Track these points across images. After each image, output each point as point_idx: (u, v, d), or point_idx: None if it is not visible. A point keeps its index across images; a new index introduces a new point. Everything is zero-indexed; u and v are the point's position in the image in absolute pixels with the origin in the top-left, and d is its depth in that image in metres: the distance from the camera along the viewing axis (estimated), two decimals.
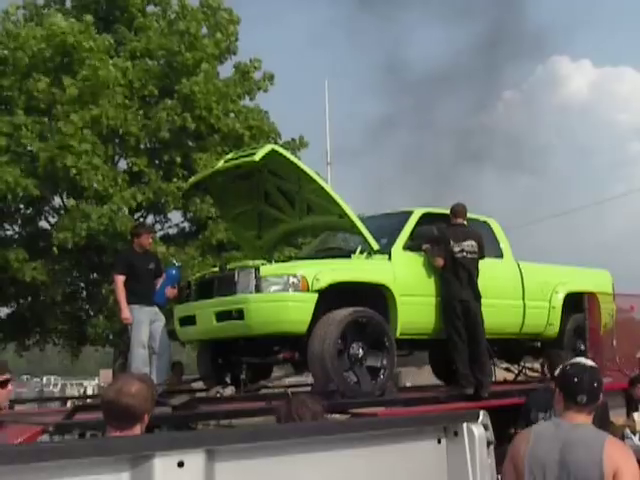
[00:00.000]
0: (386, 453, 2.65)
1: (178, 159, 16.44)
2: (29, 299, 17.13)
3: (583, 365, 3.44)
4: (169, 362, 8.47)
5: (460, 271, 7.81)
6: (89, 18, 15.69)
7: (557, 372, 3.51)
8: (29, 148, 15.43)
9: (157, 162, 16.86)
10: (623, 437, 8.55)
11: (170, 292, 8.41)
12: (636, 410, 8.48)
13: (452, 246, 7.83)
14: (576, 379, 3.36)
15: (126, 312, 8.09)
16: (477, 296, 7.80)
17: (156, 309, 8.31)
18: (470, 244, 7.83)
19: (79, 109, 14.94)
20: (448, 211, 9.00)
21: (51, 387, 43.94)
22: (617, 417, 8.87)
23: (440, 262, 7.86)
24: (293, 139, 17.76)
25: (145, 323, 8.11)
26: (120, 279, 8.25)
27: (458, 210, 8.19)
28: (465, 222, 8.14)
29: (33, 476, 1.85)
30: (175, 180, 16.01)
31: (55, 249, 15.06)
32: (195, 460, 2.06)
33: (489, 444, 2.98)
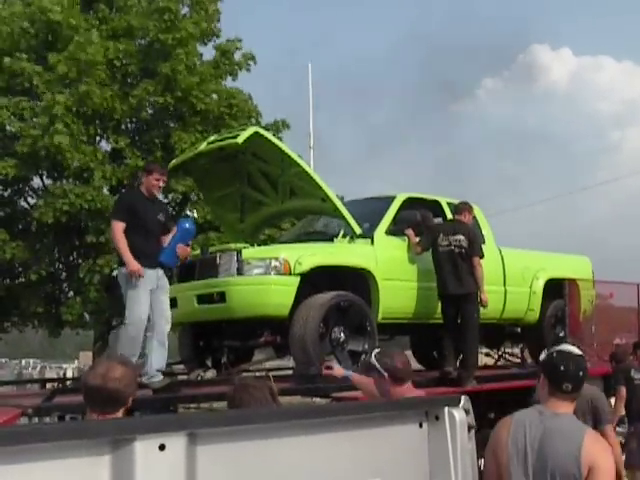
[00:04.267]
0: (367, 437, 2.65)
1: (159, 140, 16.36)
2: (7, 281, 17.01)
3: (570, 353, 3.40)
4: (167, 339, 6.70)
5: (443, 263, 7.85)
6: None
7: (542, 357, 3.50)
8: (8, 128, 15.30)
9: (138, 143, 16.76)
10: None
11: (182, 250, 6.75)
12: (614, 395, 8.60)
13: (441, 239, 7.87)
14: (563, 367, 3.33)
15: (134, 263, 6.32)
16: (466, 288, 7.79)
17: (160, 272, 6.63)
18: (458, 238, 7.84)
19: (64, 88, 14.81)
20: (431, 196, 9.05)
21: (30, 370, 43.79)
22: None
23: (417, 250, 7.93)
24: (276, 121, 17.71)
25: (146, 293, 6.43)
26: (120, 226, 6.45)
27: (460, 207, 8.27)
28: (465, 219, 8.14)
29: (11, 459, 1.83)
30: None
31: (35, 225, 14.99)
32: (177, 443, 2.05)
33: (470, 428, 2.99)
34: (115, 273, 6.78)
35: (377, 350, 4.54)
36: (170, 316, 6.63)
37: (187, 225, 6.85)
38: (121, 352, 6.09)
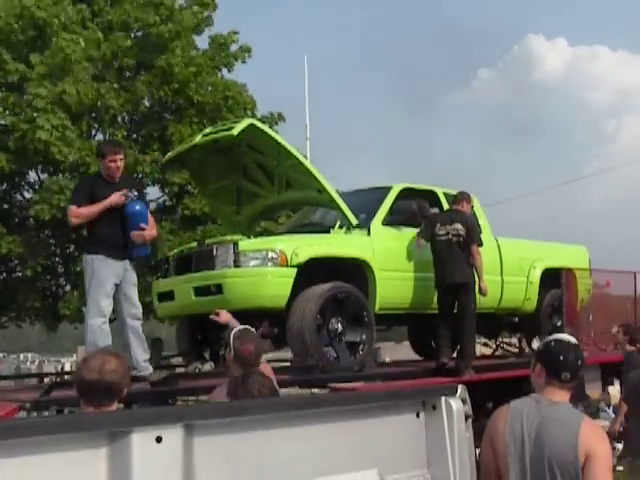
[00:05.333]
0: (365, 427, 2.65)
1: (155, 132, 16.33)
2: (4, 275, 16.99)
3: (568, 342, 3.42)
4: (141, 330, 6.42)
5: (441, 252, 7.86)
6: None
7: (539, 346, 3.50)
8: (1, 122, 15.28)
9: (135, 136, 16.73)
10: (598, 410, 8.68)
11: (136, 235, 6.19)
12: (611, 384, 8.59)
13: (438, 228, 7.88)
14: (562, 357, 3.33)
15: (114, 196, 6.07)
16: (463, 278, 7.78)
17: (128, 265, 6.27)
18: (456, 227, 7.84)
19: (49, 84, 14.74)
20: (427, 187, 9.04)
21: (28, 364, 43.76)
22: (593, 391, 8.99)
23: (421, 243, 7.93)
24: (271, 113, 17.69)
25: (110, 282, 6.07)
26: (74, 207, 6.16)
27: (458, 197, 8.28)
28: (463, 208, 8.13)
29: (9, 452, 1.83)
30: (151, 153, 15.88)
31: (32, 221, 14.95)
32: (173, 435, 2.05)
33: (467, 418, 2.99)
34: None
35: (241, 328, 4.86)
36: (140, 311, 6.38)
37: (137, 207, 6.23)
38: (90, 338, 5.94)
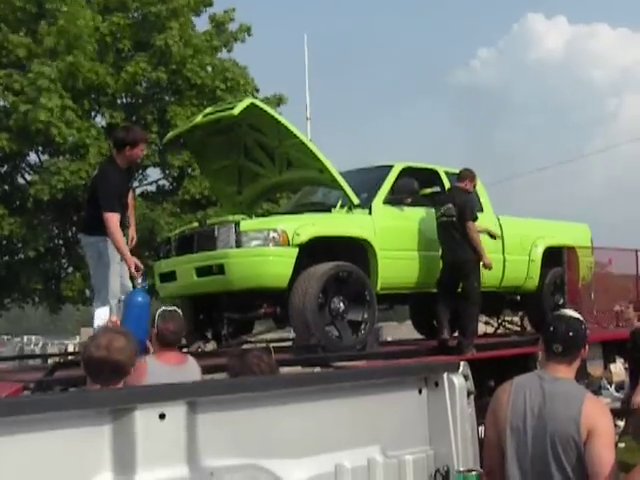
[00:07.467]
0: (367, 404, 2.66)
1: (154, 114, 16.27)
2: (7, 257, 17.00)
3: (563, 315, 3.44)
4: None
5: (440, 235, 7.91)
6: None
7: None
8: (1, 103, 15.23)
9: (134, 118, 16.67)
10: (600, 387, 8.70)
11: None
12: (613, 362, 8.60)
13: (436, 210, 7.90)
14: (552, 327, 3.37)
15: (133, 261, 5.87)
16: (462, 257, 7.77)
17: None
18: (448, 207, 7.81)
19: (53, 61, 14.67)
20: (429, 166, 9.01)
21: (32, 346, 43.90)
22: (595, 368, 9.01)
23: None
24: (274, 95, 17.60)
25: (116, 260, 5.99)
26: (116, 218, 5.86)
27: (462, 175, 8.19)
28: (467, 187, 8.09)
29: (15, 429, 1.84)
30: (151, 136, 15.84)
31: (31, 202, 14.93)
32: (176, 412, 2.06)
33: (469, 394, 3.00)
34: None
35: (170, 308, 5.04)
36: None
37: (140, 299, 5.63)
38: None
